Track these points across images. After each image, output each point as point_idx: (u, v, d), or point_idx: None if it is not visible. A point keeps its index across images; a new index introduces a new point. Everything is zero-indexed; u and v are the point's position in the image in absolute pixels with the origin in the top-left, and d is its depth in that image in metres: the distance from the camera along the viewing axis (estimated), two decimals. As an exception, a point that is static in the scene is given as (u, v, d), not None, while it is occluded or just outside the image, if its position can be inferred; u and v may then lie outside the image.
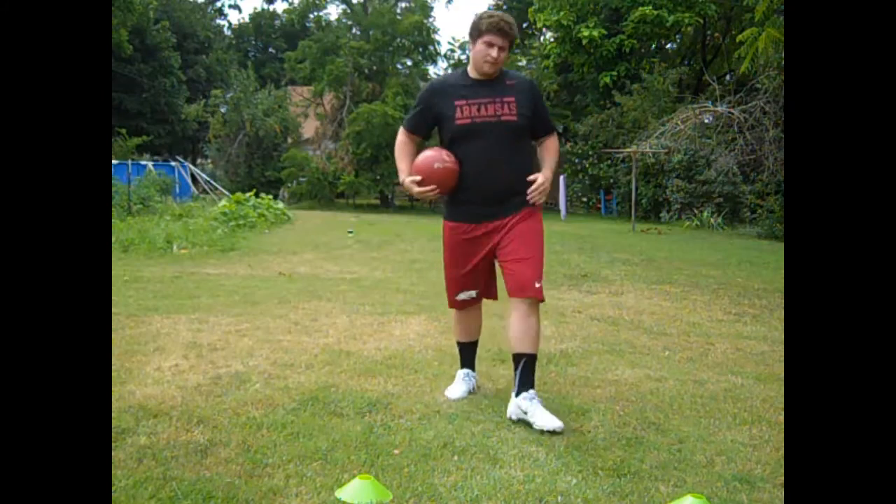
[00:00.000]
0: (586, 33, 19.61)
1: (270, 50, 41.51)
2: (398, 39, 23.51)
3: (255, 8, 56.40)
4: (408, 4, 25.61)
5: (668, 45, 23.90)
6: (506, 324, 3.13)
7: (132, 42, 26.44)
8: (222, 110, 25.88)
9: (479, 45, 2.93)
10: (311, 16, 28.29)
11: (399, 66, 24.25)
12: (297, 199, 22.64)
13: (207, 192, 20.65)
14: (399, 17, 23.80)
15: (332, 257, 9.01)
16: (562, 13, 20.03)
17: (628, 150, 16.58)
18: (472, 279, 3.15)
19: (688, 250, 10.61)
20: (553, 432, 2.76)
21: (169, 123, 31.65)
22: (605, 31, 19.86)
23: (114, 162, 16.73)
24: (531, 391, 2.90)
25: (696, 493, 2.29)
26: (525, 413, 2.87)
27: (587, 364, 3.91)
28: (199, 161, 33.97)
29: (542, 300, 2.97)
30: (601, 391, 3.41)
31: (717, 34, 22.57)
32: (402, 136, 3.17)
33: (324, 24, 26.76)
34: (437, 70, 26.75)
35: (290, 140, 25.33)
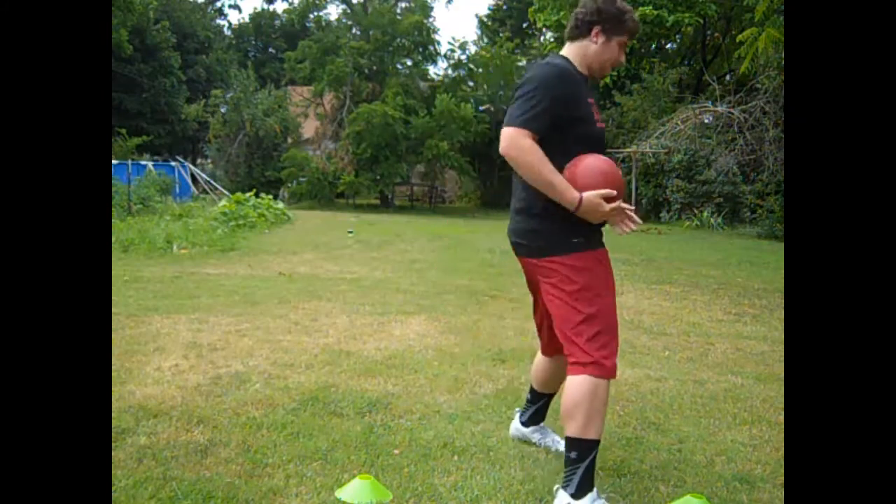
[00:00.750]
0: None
1: (270, 50, 41.51)
2: (398, 39, 23.50)
3: (255, 8, 56.42)
4: (408, 4, 25.59)
5: (668, 45, 23.90)
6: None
7: (132, 42, 26.44)
8: (222, 110, 25.86)
9: (614, 44, 2.33)
10: (311, 16, 28.28)
11: (399, 66, 24.22)
12: (297, 199, 22.63)
13: (207, 192, 20.64)
14: (399, 17, 23.79)
15: (332, 257, 9.00)
16: (562, 13, 20.03)
17: (628, 150, 16.58)
18: None
19: (688, 250, 10.61)
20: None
21: (169, 123, 31.64)
22: (605, 32, 19.83)
23: (114, 162, 16.73)
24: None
25: (696, 493, 2.29)
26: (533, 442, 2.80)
27: (587, 364, 3.90)
28: (199, 161, 33.95)
29: None
30: (601, 391, 3.40)
31: (717, 34, 22.57)
32: (528, 140, 2.15)
33: (324, 24, 26.75)
34: (437, 70, 26.76)
35: (290, 140, 25.31)
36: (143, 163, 19.99)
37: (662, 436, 2.87)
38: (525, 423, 2.79)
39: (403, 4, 25.77)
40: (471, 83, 25.00)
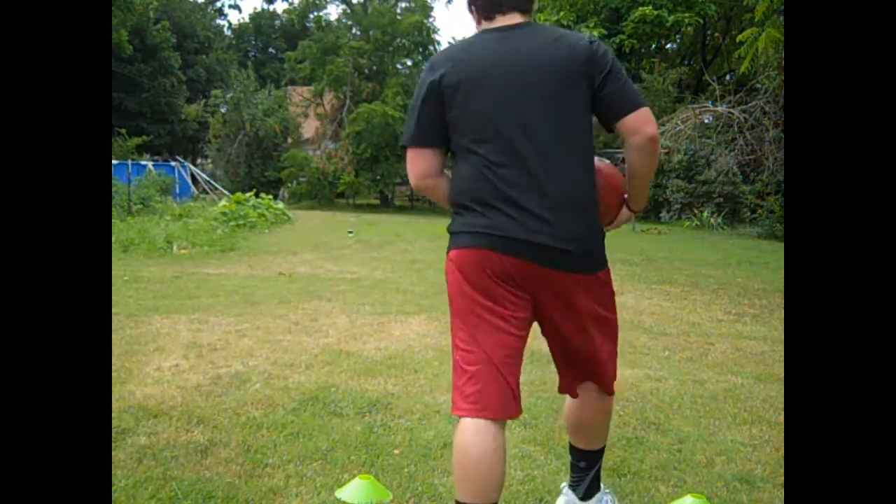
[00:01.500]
0: (586, 33, 19.61)
1: (270, 50, 41.53)
2: (398, 39, 23.52)
3: (255, 8, 56.43)
4: (408, 4, 25.60)
5: (668, 45, 23.92)
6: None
7: (132, 42, 26.43)
8: (222, 110, 25.89)
9: None
10: (311, 16, 28.27)
11: (399, 66, 24.25)
12: (297, 199, 22.64)
13: (207, 192, 20.65)
14: (399, 17, 23.80)
15: (332, 257, 9.00)
16: (562, 13, 20.04)
17: (628, 150, 16.55)
18: None
19: (688, 250, 10.61)
20: None
21: (169, 123, 31.65)
22: (605, 31, 19.86)
23: (114, 162, 16.72)
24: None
25: (696, 493, 2.29)
26: None
27: (587, 364, 3.90)
28: (199, 161, 33.96)
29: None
30: (601, 391, 3.41)
31: (717, 34, 22.58)
32: None
33: (324, 24, 26.74)
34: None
35: (290, 140, 25.33)
36: (143, 163, 19.99)
37: (662, 436, 2.87)
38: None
39: (403, 4, 25.78)
40: (471, 83, 24.96)
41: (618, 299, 2.01)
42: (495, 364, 1.78)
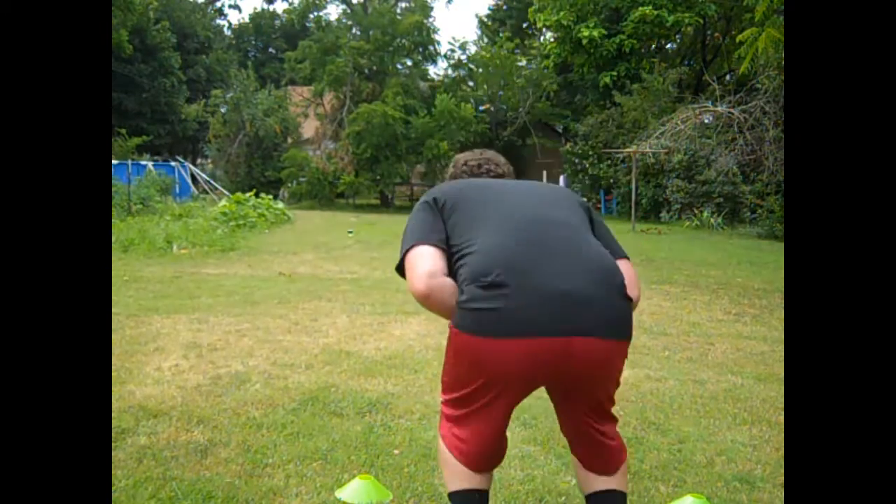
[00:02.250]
0: (586, 33, 19.61)
1: (270, 50, 41.49)
2: (398, 39, 23.49)
3: (255, 8, 56.42)
4: (408, 4, 25.58)
5: (668, 45, 23.91)
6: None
7: (132, 42, 26.40)
8: (222, 110, 25.86)
9: None
10: (311, 16, 28.25)
11: (399, 66, 24.22)
12: (297, 199, 22.62)
13: (207, 192, 20.64)
14: (399, 17, 23.78)
15: (332, 257, 9.00)
16: (562, 13, 20.02)
17: (628, 150, 16.57)
18: None
19: (688, 250, 10.61)
20: None
21: (169, 123, 31.63)
22: (605, 31, 19.86)
23: (114, 162, 16.72)
24: None
25: (696, 493, 2.29)
26: None
27: (587, 364, 3.90)
28: (199, 161, 33.95)
29: None
30: (601, 391, 3.41)
31: (717, 34, 22.57)
32: None
33: (324, 24, 26.72)
34: (437, 70, 26.76)
35: (290, 140, 25.31)
36: (143, 163, 19.98)
37: (662, 436, 2.87)
38: None
39: (403, 4, 25.76)
40: (471, 83, 25.02)
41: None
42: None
